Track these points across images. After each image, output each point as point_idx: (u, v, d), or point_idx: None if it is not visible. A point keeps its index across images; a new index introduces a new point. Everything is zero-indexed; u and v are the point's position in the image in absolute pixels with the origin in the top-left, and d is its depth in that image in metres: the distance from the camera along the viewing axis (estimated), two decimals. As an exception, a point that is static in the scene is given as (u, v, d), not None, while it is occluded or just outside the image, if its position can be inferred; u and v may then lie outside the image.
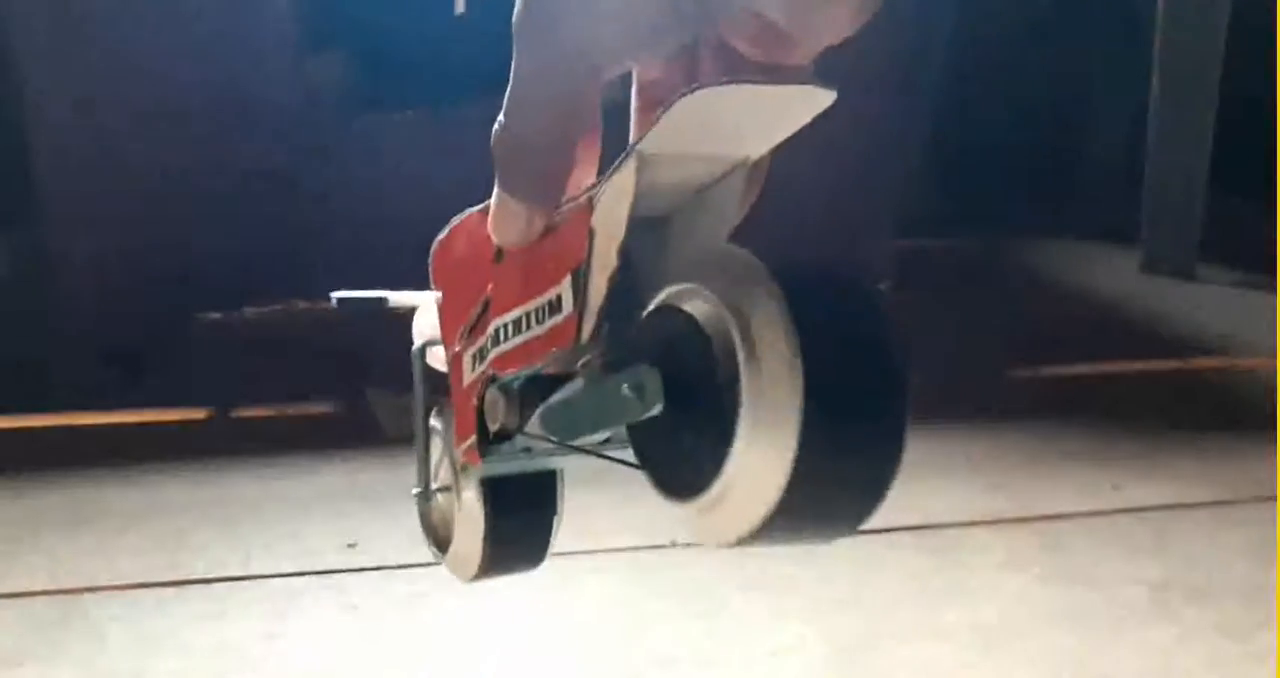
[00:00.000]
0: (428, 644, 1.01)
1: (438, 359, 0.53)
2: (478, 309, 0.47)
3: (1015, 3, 2.54)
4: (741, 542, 0.36)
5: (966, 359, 1.68)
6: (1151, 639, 0.78)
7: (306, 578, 1.12)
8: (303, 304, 2.01)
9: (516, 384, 0.45)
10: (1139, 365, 1.63)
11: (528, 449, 0.48)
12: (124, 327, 1.83)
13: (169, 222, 1.95)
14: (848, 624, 0.96)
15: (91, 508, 1.27)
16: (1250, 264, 2.15)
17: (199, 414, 1.57)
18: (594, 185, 0.41)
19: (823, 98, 0.37)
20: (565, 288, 0.41)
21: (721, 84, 0.36)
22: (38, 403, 1.61)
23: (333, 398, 1.60)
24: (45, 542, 1.20)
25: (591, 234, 0.40)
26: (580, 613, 0.90)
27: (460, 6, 2.14)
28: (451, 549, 0.54)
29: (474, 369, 0.47)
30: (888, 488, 0.34)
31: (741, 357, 0.34)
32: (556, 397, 0.43)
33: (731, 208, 0.40)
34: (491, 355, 0.45)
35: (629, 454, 0.40)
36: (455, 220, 0.49)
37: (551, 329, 0.42)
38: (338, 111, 2.03)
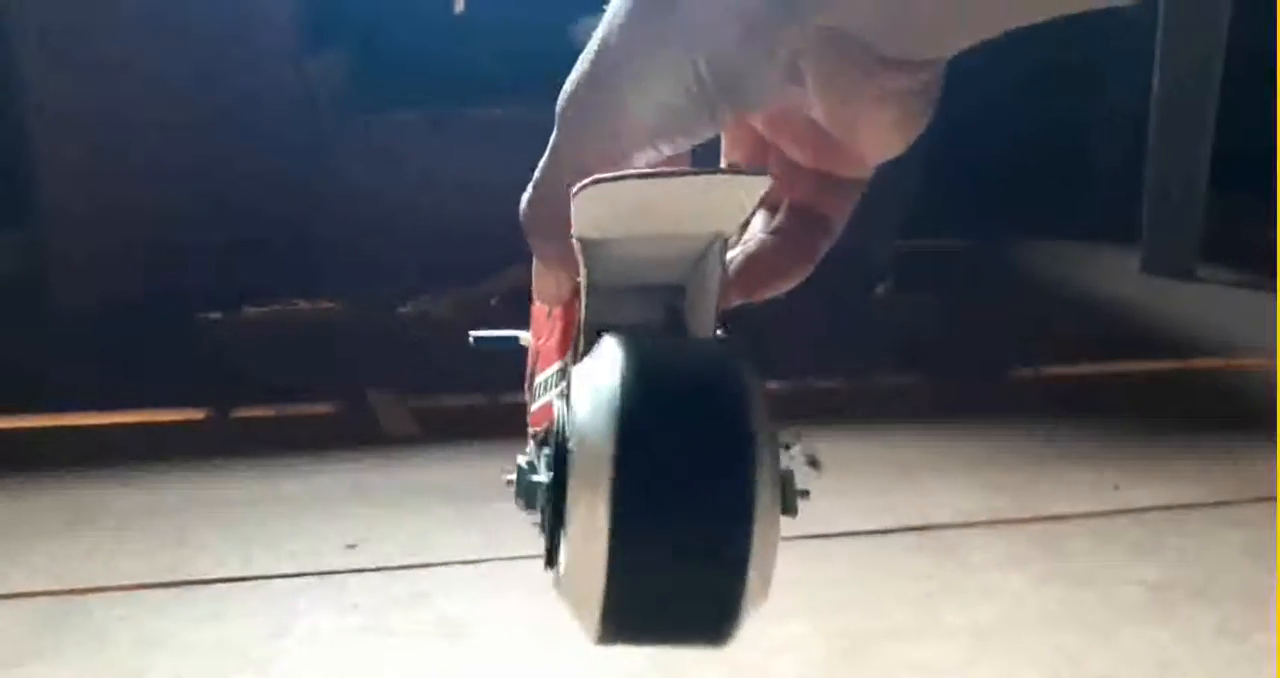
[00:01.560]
0: (428, 645, 1.01)
1: None
2: (540, 345, 0.48)
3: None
4: (599, 642, 0.34)
5: (967, 359, 1.68)
6: (1151, 639, 0.78)
7: (306, 578, 1.12)
8: (303, 304, 2.01)
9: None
10: (1139, 365, 1.63)
11: None
12: (124, 326, 1.83)
13: (169, 221, 1.96)
14: (847, 624, 0.96)
15: (91, 508, 1.27)
16: (1250, 264, 2.16)
17: (199, 414, 1.57)
18: None
19: (746, 184, 0.35)
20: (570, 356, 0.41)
21: (609, 178, 0.35)
22: (37, 403, 1.61)
23: (333, 398, 1.61)
24: (45, 542, 1.20)
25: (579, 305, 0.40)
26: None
27: (460, 6, 2.14)
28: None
29: (532, 400, 0.48)
30: (734, 606, 0.32)
31: (571, 464, 0.33)
32: None
33: (713, 280, 0.39)
34: (531, 409, 0.46)
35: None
36: None
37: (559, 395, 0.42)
38: (336, 111, 2.03)
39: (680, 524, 0.31)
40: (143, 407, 1.60)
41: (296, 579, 1.12)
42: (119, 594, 1.10)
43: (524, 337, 0.55)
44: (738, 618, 0.32)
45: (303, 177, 1.95)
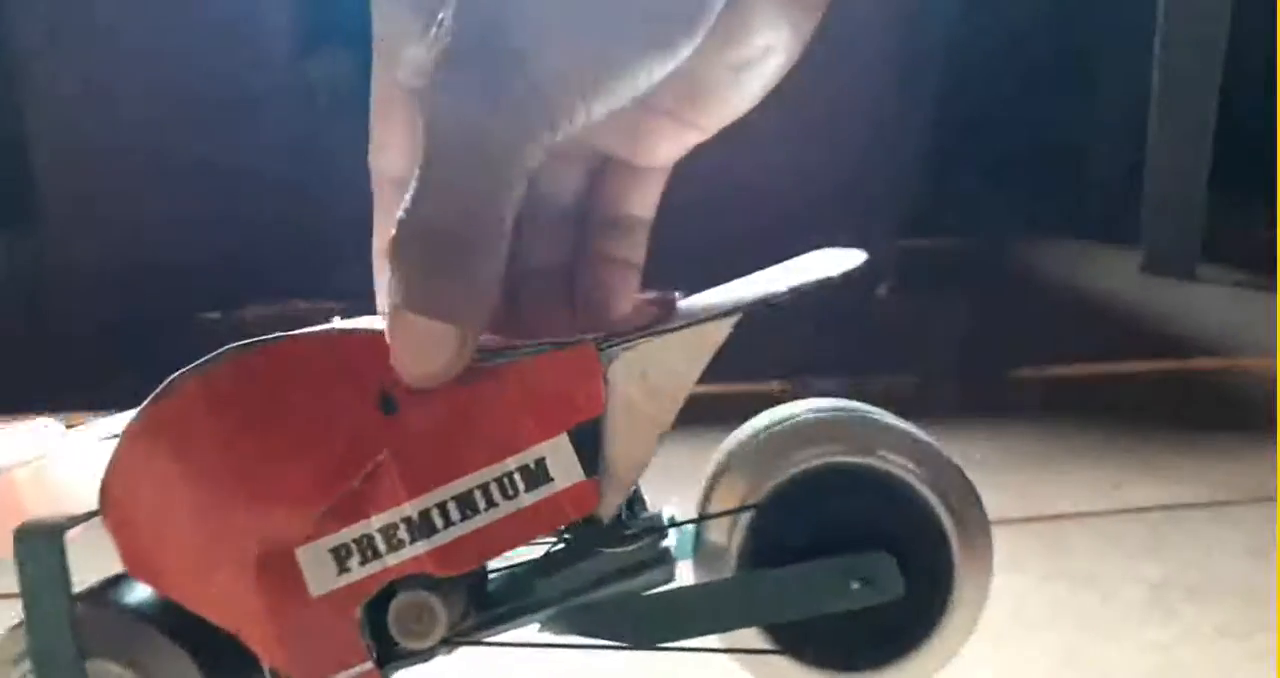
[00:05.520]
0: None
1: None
2: (356, 483, 0.34)
3: (1015, 2, 2.54)
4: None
5: (966, 359, 1.68)
6: (1152, 639, 0.78)
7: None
8: (302, 304, 2.01)
9: (465, 580, 0.36)
10: (1139, 365, 1.63)
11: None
12: (123, 326, 1.83)
13: (168, 221, 1.95)
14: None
15: (91, 508, 1.27)
16: (1251, 264, 2.15)
17: (199, 414, 1.56)
18: (606, 331, 0.35)
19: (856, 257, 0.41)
20: (553, 450, 0.34)
21: (797, 286, 0.37)
22: (37, 403, 1.61)
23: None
24: (45, 542, 1.19)
25: (607, 385, 0.34)
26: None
27: (460, 6, 2.13)
28: None
29: (346, 570, 0.34)
30: None
31: (956, 535, 0.39)
32: (605, 593, 0.37)
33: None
34: (420, 550, 0.34)
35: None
36: (219, 362, 0.36)
37: (546, 504, 0.34)
38: (336, 111, 2.03)
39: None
40: (142, 407, 1.59)
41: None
42: (118, 594, 1.09)
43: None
44: None
45: (303, 176, 1.95)
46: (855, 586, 0.36)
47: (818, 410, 0.38)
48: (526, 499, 0.34)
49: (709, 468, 0.43)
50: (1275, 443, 1.15)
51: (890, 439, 0.37)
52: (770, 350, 1.64)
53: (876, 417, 0.37)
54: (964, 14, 2.33)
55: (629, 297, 0.40)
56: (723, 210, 1.64)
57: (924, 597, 0.37)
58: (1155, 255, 2.18)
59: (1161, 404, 1.45)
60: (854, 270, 0.39)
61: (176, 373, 0.37)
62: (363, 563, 0.34)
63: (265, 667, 0.36)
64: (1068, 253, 2.39)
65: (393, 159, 0.36)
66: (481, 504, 0.34)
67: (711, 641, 0.40)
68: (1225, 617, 0.82)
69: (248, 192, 1.94)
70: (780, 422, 0.39)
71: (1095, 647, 0.78)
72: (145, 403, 0.36)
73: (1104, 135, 2.67)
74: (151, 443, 0.35)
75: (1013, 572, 0.90)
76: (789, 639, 0.38)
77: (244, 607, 0.34)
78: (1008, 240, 2.42)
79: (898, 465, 0.37)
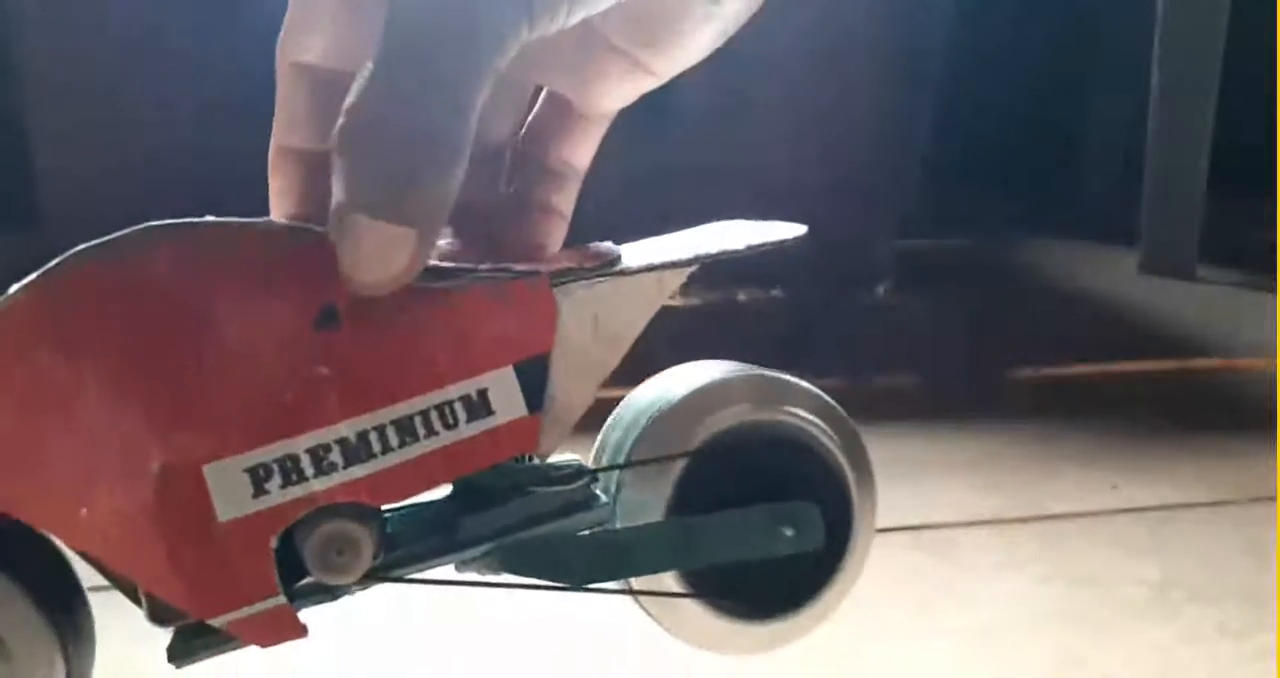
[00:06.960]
0: (425, 644, 1.00)
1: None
2: (286, 396, 0.31)
3: (1015, 3, 2.54)
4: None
5: (966, 359, 1.68)
6: (1151, 639, 0.78)
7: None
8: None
9: (388, 512, 0.35)
10: (1139, 365, 1.63)
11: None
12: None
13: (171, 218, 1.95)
14: (845, 624, 0.96)
15: (90, 507, 1.27)
16: (1250, 264, 2.15)
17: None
18: (563, 264, 0.34)
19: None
20: (497, 383, 0.32)
21: (757, 242, 0.39)
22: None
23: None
24: (44, 541, 1.19)
25: (558, 322, 0.32)
26: (577, 615, 0.90)
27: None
28: None
29: (263, 493, 0.31)
30: None
31: (854, 480, 0.42)
32: (538, 532, 0.35)
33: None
34: (355, 475, 0.31)
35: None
36: (136, 241, 0.32)
37: (485, 437, 0.32)
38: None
39: None
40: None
41: (295, 579, 1.11)
42: (116, 593, 1.09)
43: None
44: None
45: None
46: (789, 532, 0.38)
47: (728, 372, 0.39)
48: (466, 431, 0.32)
49: (609, 431, 0.41)
50: (1275, 443, 1.15)
51: (798, 397, 0.39)
52: (769, 351, 1.64)
53: (781, 376, 0.39)
54: (964, 14, 2.33)
55: (556, 246, 0.39)
56: (722, 209, 1.64)
57: (829, 545, 0.40)
58: (1154, 256, 2.18)
59: (1161, 404, 1.45)
60: (799, 240, 0.40)
61: (79, 248, 0.31)
62: (284, 486, 0.31)
63: (145, 599, 0.33)
64: (1067, 253, 2.39)
65: (311, 46, 0.33)
66: (420, 432, 0.31)
67: (616, 585, 0.40)
68: (1225, 617, 0.82)
69: (249, 192, 1.94)
70: (694, 383, 0.39)
71: (1095, 647, 0.78)
72: (26, 281, 0.30)
73: (1103, 136, 2.67)
74: (29, 329, 0.28)
75: (1012, 572, 0.90)
76: (700, 585, 0.40)
77: (132, 533, 0.30)
78: (1007, 240, 2.42)
79: (807, 422, 0.39)
